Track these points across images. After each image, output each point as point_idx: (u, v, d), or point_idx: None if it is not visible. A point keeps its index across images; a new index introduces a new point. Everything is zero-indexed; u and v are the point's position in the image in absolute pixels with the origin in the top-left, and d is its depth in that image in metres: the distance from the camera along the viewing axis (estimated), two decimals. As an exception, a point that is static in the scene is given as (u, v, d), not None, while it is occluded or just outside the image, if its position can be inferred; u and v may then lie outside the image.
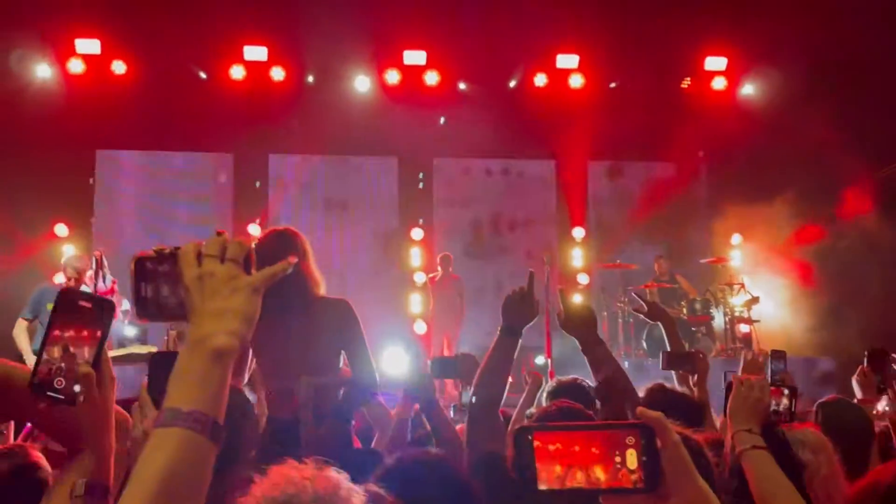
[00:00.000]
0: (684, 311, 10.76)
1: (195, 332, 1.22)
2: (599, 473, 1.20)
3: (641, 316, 4.46)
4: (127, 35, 11.14)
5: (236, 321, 1.22)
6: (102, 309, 1.43)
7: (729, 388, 2.35)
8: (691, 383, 3.77)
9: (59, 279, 8.52)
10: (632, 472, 1.20)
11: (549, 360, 8.90)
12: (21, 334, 7.88)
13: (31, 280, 9.05)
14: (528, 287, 3.23)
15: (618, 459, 1.21)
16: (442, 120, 12.24)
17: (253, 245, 1.27)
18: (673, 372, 3.95)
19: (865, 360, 4.21)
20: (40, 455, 2.20)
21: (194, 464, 1.16)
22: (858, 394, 4.13)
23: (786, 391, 2.63)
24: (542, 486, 1.19)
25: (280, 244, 3.76)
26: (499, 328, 3.15)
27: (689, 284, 11.33)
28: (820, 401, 3.48)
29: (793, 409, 2.61)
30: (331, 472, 1.42)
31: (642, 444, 1.21)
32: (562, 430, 1.23)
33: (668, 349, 4.06)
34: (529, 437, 1.21)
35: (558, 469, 1.20)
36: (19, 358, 7.81)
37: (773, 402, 2.50)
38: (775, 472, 2.12)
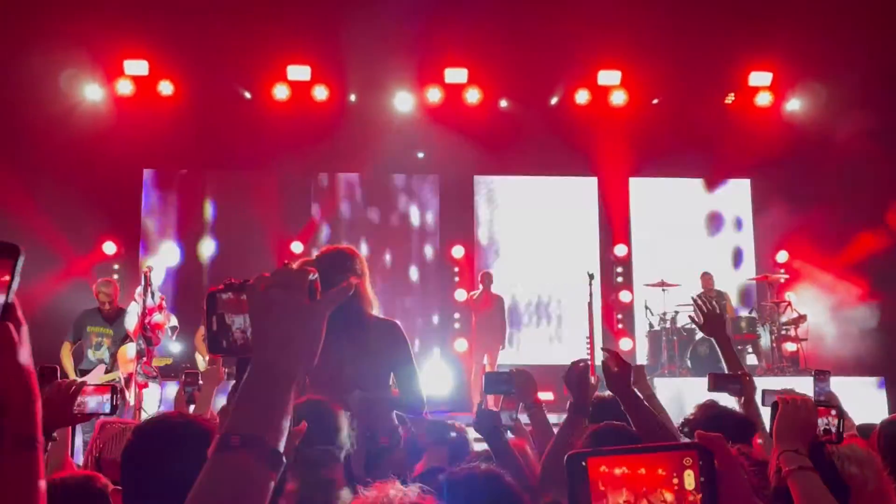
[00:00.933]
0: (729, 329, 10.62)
1: (259, 359, 1.24)
2: (665, 496, 1.17)
3: (695, 328, 4.20)
4: (174, 56, 11.36)
5: (301, 348, 1.25)
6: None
7: (775, 407, 2.30)
8: (739, 405, 3.70)
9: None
10: (691, 493, 1.18)
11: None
12: (66, 357, 8.07)
13: (81, 297, 9.23)
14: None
15: (675, 481, 1.18)
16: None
17: (315, 273, 1.30)
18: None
19: None
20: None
21: (251, 491, 1.16)
22: None
23: (833, 411, 2.58)
24: None
25: (338, 263, 3.78)
26: (568, 404, 3.11)
27: (731, 305, 11.20)
28: (884, 420, 3.40)
29: (840, 430, 2.56)
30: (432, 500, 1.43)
31: (700, 465, 1.19)
32: (616, 454, 1.19)
33: (723, 367, 3.98)
34: (583, 464, 1.17)
35: (623, 495, 1.17)
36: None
37: (820, 423, 2.45)
38: (823, 493, 2.07)
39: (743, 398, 3.67)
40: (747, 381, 3.66)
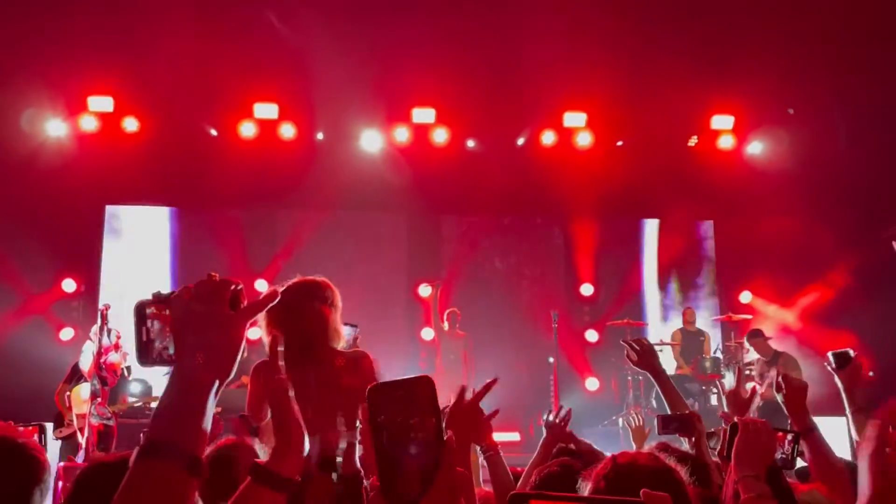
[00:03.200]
0: (688, 368, 10.79)
1: (178, 367, 1.28)
2: None
3: (630, 364, 4.25)
4: (139, 92, 11.26)
5: (220, 357, 1.28)
6: None
7: (733, 430, 2.26)
8: (689, 446, 3.69)
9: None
10: None
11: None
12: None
13: (37, 334, 9.03)
14: None
15: None
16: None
17: (239, 284, 1.34)
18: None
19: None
20: None
21: (172, 497, 1.19)
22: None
23: (789, 437, 2.59)
24: None
25: (308, 292, 3.75)
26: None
27: (709, 346, 11.32)
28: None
29: (795, 455, 2.56)
30: None
31: None
32: (560, 500, 1.17)
33: (666, 406, 3.99)
34: None
35: None
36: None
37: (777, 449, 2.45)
38: None
39: (693, 437, 3.67)
40: (696, 422, 3.66)
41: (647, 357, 4.11)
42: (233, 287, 1.32)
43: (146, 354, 1.35)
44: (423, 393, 1.21)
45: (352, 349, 4.06)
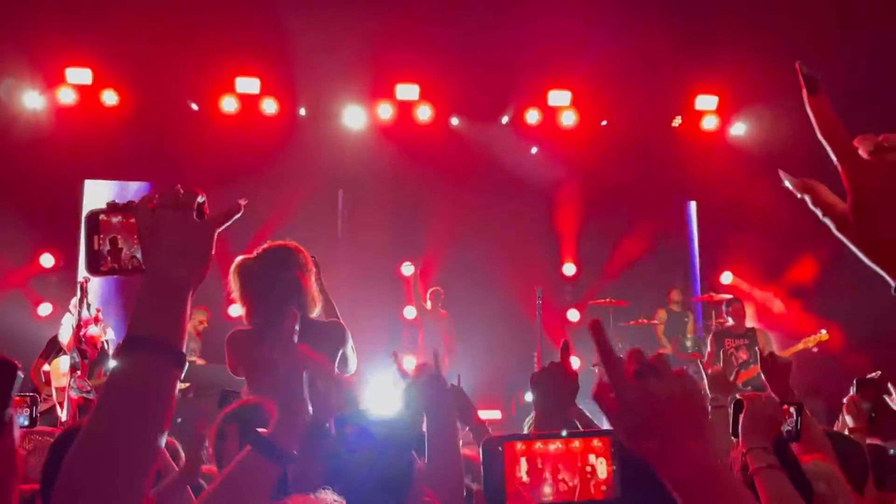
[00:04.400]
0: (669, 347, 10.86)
1: (153, 269, 1.30)
2: (570, 484, 1.17)
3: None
4: (119, 65, 11.09)
5: (190, 257, 1.31)
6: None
7: (738, 407, 2.31)
8: None
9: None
10: (602, 481, 1.18)
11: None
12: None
13: (15, 309, 8.92)
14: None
15: (588, 469, 1.18)
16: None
17: (203, 196, 1.37)
18: None
19: (854, 389, 4.19)
20: None
21: (157, 388, 1.21)
22: (850, 423, 4.12)
23: (792, 409, 2.61)
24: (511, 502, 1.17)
25: (280, 257, 3.71)
26: None
27: (692, 325, 11.39)
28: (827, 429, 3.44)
29: (799, 428, 2.59)
30: None
31: (612, 453, 1.19)
32: (531, 440, 1.20)
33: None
34: (500, 449, 1.18)
35: (527, 481, 1.17)
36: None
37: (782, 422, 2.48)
38: (791, 492, 2.06)
39: None
40: None
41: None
42: (199, 199, 1.35)
43: (94, 264, 1.35)
44: None
45: (329, 319, 4.02)
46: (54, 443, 2.17)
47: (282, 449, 1.48)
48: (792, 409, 2.59)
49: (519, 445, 1.19)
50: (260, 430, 1.50)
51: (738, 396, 2.35)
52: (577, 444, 1.20)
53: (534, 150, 12.45)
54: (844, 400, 4.14)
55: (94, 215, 1.35)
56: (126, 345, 1.23)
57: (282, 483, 1.56)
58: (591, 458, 1.19)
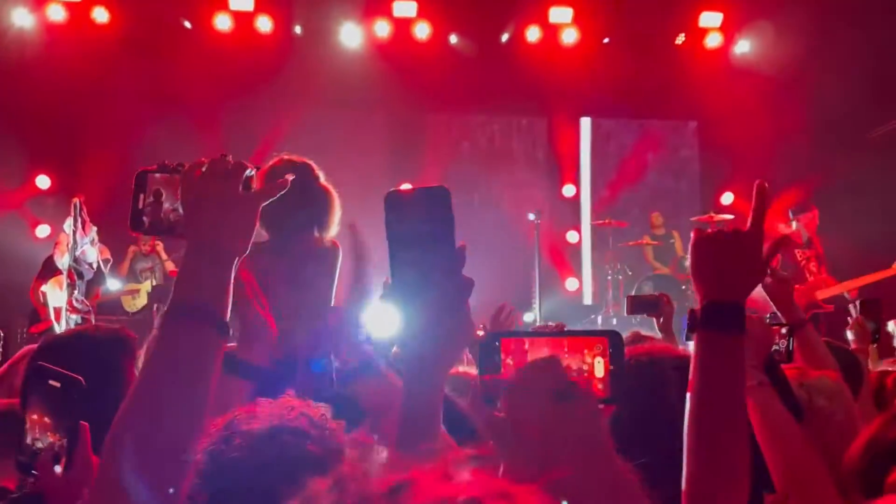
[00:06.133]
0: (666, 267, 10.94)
1: (198, 237, 1.30)
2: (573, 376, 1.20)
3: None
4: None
5: (237, 231, 1.32)
6: None
7: None
8: (656, 326, 3.77)
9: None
10: (598, 380, 1.19)
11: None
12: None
13: (12, 230, 8.90)
14: None
15: (585, 367, 1.20)
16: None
17: (252, 169, 1.37)
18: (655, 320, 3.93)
19: (858, 309, 4.22)
20: None
21: (202, 353, 1.24)
22: (853, 343, 4.17)
23: (783, 330, 2.61)
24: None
25: (307, 171, 3.59)
26: None
27: (682, 244, 11.33)
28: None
29: (790, 349, 2.59)
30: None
31: (610, 353, 1.20)
32: (529, 336, 1.24)
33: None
34: (497, 343, 1.22)
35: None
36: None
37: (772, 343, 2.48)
38: (781, 410, 2.05)
39: (661, 319, 3.73)
40: (665, 303, 3.71)
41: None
42: (247, 172, 1.35)
43: (139, 223, 1.37)
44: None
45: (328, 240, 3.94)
46: (37, 350, 2.15)
47: (249, 362, 1.51)
48: (783, 330, 2.59)
49: (516, 341, 1.23)
50: (227, 347, 1.49)
51: None
52: (575, 340, 1.23)
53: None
54: (849, 319, 4.17)
55: (142, 174, 1.37)
56: (171, 311, 1.25)
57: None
58: (589, 356, 1.20)
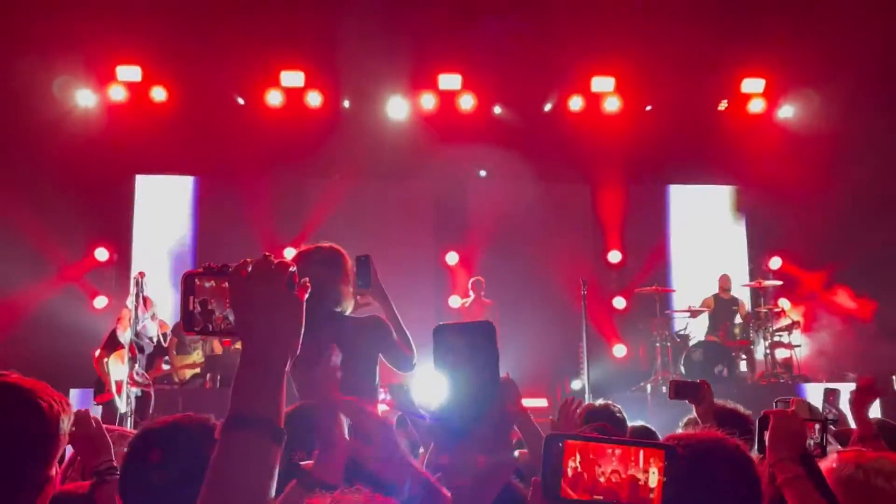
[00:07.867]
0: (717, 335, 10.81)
1: (250, 347, 1.35)
2: (621, 488, 1.26)
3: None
4: (167, 61, 11.32)
5: (287, 335, 1.36)
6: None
7: (763, 422, 2.40)
8: (696, 413, 3.78)
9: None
10: (651, 491, 1.25)
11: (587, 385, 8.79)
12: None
13: (72, 303, 9.17)
14: None
15: (641, 477, 1.26)
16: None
17: (294, 266, 1.40)
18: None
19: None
20: None
21: (263, 466, 1.29)
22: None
23: (817, 425, 2.67)
24: (565, 495, 1.26)
25: (329, 261, 3.76)
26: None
27: (744, 310, 11.28)
28: (876, 418, 3.49)
29: (824, 444, 2.65)
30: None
31: (665, 466, 1.26)
32: (591, 441, 1.29)
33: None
34: (560, 445, 1.27)
35: (583, 478, 1.27)
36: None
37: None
38: (820, 501, 2.10)
39: (701, 406, 3.75)
40: (704, 390, 3.73)
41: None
42: (290, 269, 1.38)
43: (191, 324, 1.41)
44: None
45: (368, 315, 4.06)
46: (134, 438, 2.17)
47: (325, 481, 1.58)
48: (816, 426, 2.64)
49: (579, 445, 1.29)
50: (303, 463, 1.60)
51: (762, 412, 2.43)
52: (633, 451, 1.28)
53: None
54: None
55: (189, 277, 1.41)
56: (229, 423, 1.30)
57: None
58: (643, 464, 1.27)
